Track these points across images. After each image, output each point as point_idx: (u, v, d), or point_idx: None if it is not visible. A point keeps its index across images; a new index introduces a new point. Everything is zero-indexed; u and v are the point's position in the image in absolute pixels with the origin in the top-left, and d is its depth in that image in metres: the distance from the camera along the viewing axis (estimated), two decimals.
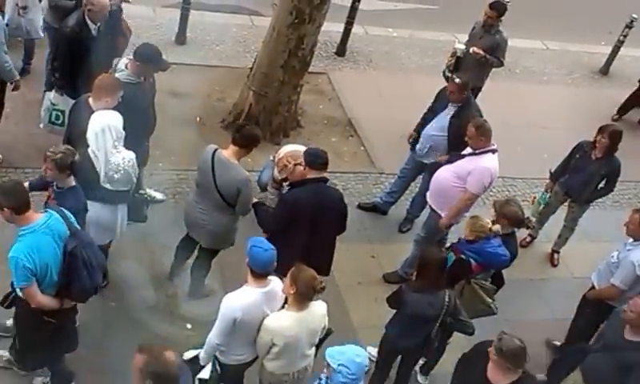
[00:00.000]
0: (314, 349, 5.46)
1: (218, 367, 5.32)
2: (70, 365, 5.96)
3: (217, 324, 5.10)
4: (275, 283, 5.22)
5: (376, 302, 6.86)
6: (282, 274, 6.04)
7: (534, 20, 11.85)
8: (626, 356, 5.42)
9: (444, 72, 8.89)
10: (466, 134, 6.84)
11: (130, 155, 5.77)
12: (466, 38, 9.04)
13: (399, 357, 6.15)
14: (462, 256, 6.05)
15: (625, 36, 11.47)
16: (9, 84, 7.22)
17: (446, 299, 5.69)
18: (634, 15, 11.06)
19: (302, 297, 5.06)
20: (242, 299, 5.07)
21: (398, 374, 6.21)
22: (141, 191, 7.39)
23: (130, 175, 5.80)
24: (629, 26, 11.33)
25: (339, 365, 4.65)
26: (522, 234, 7.75)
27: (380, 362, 6.17)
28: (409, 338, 5.82)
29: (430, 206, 7.17)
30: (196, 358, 5.31)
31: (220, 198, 5.96)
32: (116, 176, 5.73)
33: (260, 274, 5.10)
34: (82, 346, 6.12)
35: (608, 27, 11.99)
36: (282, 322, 5.11)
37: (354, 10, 10.29)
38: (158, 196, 7.55)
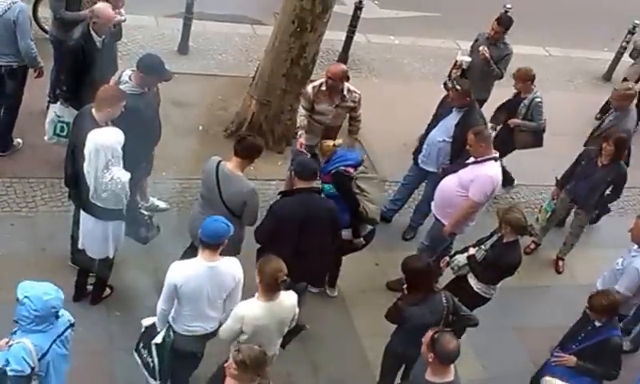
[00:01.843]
0: (281, 338, 5.55)
1: (171, 333, 5.46)
2: (75, 373, 5.98)
3: (163, 289, 5.28)
4: (226, 263, 5.27)
5: (380, 309, 6.83)
6: None
7: (537, 27, 11.86)
8: None
9: (445, 83, 8.90)
10: (468, 140, 6.86)
11: (122, 176, 5.69)
12: (467, 44, 9.05)
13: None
14: (332, 171, 6.45)
15: (627, 42, 11.47)
16: (32, 71, 7.32)
17: (444, 301, 5.70)
18: (637, 21, 11.07)
19: (267, 287, 5.13)
20: (184, 268, 5.24)
21: (402, 381, 6.19)
22: (142, 202, 7.40)
23: (118, 196, 5.76)
24: (631, 32, 11.34)
25: (25, 296, 4.50)
26: (526, 240, 7.74)
27: (384, 370, 6.15)
28: (415, 346, 5.80)
29: (434, 215, 7.18)
30: (154, 324, 5.51)
31: (226, 210, 5.95)
32: (103, 195, 5.73)
33: (206, 243, 5.19)
34: (87, 354, 6.15)
35: (610, 33, 12.00)
36: (251, 310, 5.17)
37: (355, 18, 10.30)
38: (162, 205, 7.56)
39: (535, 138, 8.43)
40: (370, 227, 6.77)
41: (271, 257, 5.19)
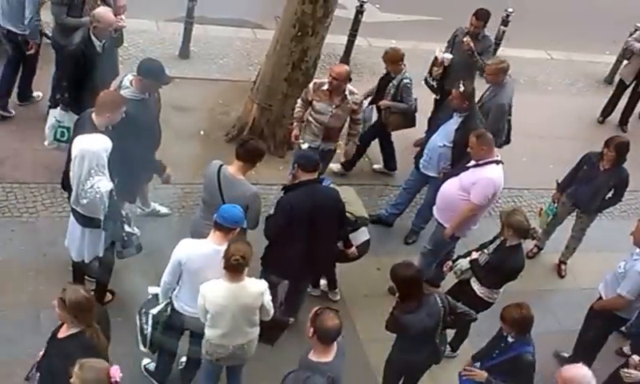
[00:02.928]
0: (255, 329, 5.53)
1: (169, 309, 5.62)
2: None
3: (169, 263, 5.46)
4: None
5: (382, 314, 6.81)
6: (283, 276, 6.38)
7: (539, 30, 11.85)
8: (315, 379, 4.83)
9: (426, 79, 8.91)
10: (468, 145, 6.85)
11: (102, 187, 5.65)
12: None
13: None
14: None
15: None
16: (27, 46, 7.65)
17: (439, 302, 5.69)
18: (638, 24, 11.04)
19: (225, 266, 5.16)
20: (191, 245, 5.42)
21: None
22: (144, 207, 7.39)
23: (96, 205, 5.71)
24: (632, 35, 11.30)
25: None
26: (528, 245, 7.73)
27: (389, 379, 6.11)
28: (419, 353, 5.78)
29: (436, 220, 7.16)
30: (157, 295, 5.68)
31: None
32: (83, 201, 5.73)
33: (220, 226, 5.32)
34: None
35: (612, 36, 11.98)
36: (212, 288, 5.23)
37: (357, 22, 10.30)
38: (163, 210, 7.55)
39: (406, 120, 8.22)
40: (364, 238, 6.72)
41: (239, 239, 5.28)
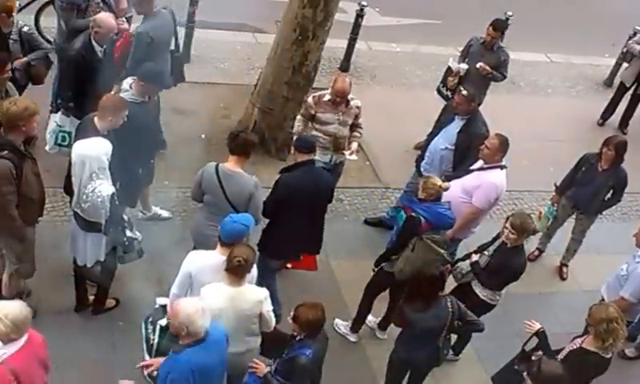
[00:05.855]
0: (254, 339, 5.49)
1: None
2: (77, 382, 5.96)
3: (178, 275, 5.45)
4: None
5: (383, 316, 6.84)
6: (276, 257, 6.46)
7: (538, 33, 11.87)
8: None
9: (439, 88, 8.90)
10: (470, 147, 6.86)
11: (103, 191, 5.64)
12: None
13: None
14: (413, 214, 6.27)
15: None
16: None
17: (449, 306, 5.72)
18: (637, 27, 11.06)
19: (229, 267, 5.16)
20: (200, 258, 5.43)
21: None
22: (145, 211, 7.39)
23: (97, 208, 5.70)
24: (632, 38, 11.32)
25: None
26: (530, 247, 7.74)
27: (390, 378, 6.12)
28: (420, 351, 5.80)
29: None
30: (165, 306, 5.55)
31: (232, 210, 5.96)
32: (84, 205, 5.73)
33: (224, 243, 5.33)
34: (90, 363, 6.12)
35: (611, 39, 12.01)
36: (211, 291, 5.21)
37: (357, 26, 10.31)
38: (164, 214, 7.55)
39: (47, 64, 7.32)
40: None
41: (243, 243, 5.29)
